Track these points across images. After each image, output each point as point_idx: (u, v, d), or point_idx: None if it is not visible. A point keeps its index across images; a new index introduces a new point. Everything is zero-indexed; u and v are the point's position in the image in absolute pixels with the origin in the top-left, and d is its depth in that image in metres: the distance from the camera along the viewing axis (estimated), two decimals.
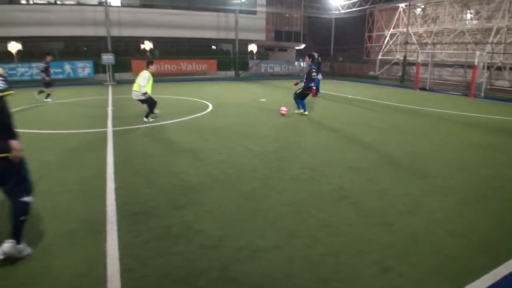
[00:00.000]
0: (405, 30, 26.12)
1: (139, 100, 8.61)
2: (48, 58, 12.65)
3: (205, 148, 6.26)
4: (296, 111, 9.95)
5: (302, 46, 35.62)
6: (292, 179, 4.71)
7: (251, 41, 28.70)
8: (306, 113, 9.76)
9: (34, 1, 22.48)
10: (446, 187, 4.52)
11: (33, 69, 20.31)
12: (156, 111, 8.94)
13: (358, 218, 3.62)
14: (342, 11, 28.56)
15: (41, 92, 12.34)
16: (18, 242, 2.79)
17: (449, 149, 6.45)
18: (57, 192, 4.29)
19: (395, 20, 28.38)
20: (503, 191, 4.44)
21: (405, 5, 26.54)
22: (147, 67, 8.71)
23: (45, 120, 9.18)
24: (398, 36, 28.33)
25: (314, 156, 5.86)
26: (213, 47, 28.34)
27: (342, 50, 32.87)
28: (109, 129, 7.84)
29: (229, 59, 26.67)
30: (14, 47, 21.94)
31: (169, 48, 26.11)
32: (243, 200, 4.05)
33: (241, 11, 25.65)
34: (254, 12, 27.11)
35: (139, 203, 3.96)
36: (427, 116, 10.18)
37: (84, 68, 21.53)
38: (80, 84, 19.95)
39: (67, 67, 20.97)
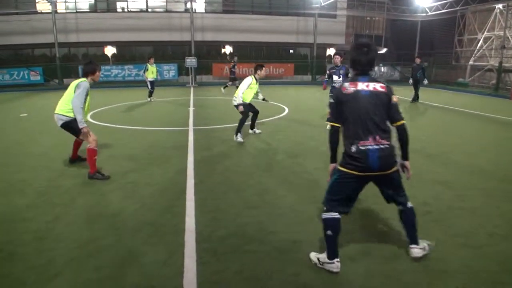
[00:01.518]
0: (501, 33, 23.55)
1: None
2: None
3: (280, 151, 6.28)
4: None
5: (384, 50, 34.11)
6: (372, 189, 4.48)
7: (330, 45, 28.25)
8: None
9: (128, 9, 24.67)
10: None
11: (125, 71, 22.33)
12: None
13: (442, 237, 3.31)
14: (429, 13, 26.68)
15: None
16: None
17: None
18: (143, 184, 4.63)
19: (490, 22, 25.72)
20: None
21: (503, 6, 23.93)
22: (254, 72, 7.45)
23: (133, 118, 10.01)
24: (493, 39, 25.63)
25: None
26: (291, 51, 28.44)
27: (428, 54, 30.76)
28: (190, 128, 8.28)
29: (306, 63, 26.54)
30: (109, 50, 24.32)
31: (248, 52, 26.81)
32: (319, 206, 3.96)
33: (320, 15, 25.39)
34: (334, 16, 26.66)
35: (216, 199, 4.10)
36: None
37: (169, 71, 23.06)
38: (165, 86, 21.38)
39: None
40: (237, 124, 7.04)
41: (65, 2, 23.95)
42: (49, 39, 22.46)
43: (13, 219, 3.59)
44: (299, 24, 26.27)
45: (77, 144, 5.41)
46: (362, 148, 2.53)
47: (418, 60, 14.39)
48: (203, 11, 25.34)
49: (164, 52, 25.76)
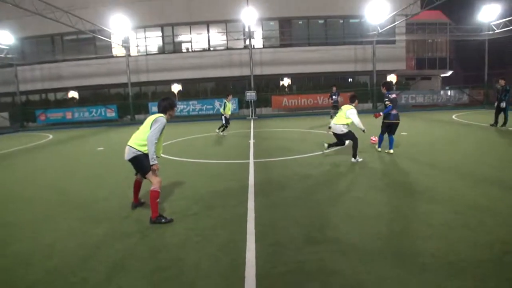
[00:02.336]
0: None
1: (337, 134, 8.04)
2: (334, 89, 17.43)
3: (343, 184, 6.13)
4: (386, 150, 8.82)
5: (449, 72, 32.42)
6: (442, 226, 4.17)
7: (390, 71, 27.56)
8: (391, 151, 8.62)
9: (192, 49, 26.45)
10: None
11: (190, 106, 23.68)
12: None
13: None
14: (496, 31, 25.01)
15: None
16: None
17: None
18: (204, 215, 4.77)
19: None
20: None
21: None
22: (351, 102, 8.08)
23: (197, 151, 10.48)
24: None
25: (469, 199, 5.10)
26: (349, 79, 28.18)
27: (500, 74, 28.56)
28: (251, 160, 8.44)
29: (366, 91, 26.05)
30: (175, 87, 26.07)
31: (306, 83, 27.08)
32: (383, 243, 3.77)
33: (378, 42, 25.05)
34: (393, 42, 26.13)
35: (276, 234, 4.08)
36: None
37: (231, 104, 23.97)
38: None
39: (217, 103, 23.71)
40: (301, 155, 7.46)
41: (137, 46, 26.39)
42: (123, 80, 24.84)
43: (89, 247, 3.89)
44: (357, 52, 26.11)
45: (138, 186, 5.23)
46: None
47: (502, 82, 13.36)
48: (261, 46, 26.31)
49: (225, 86, 26.96)
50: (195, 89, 26.93)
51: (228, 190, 6.03)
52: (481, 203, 4.82)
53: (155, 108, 23.87)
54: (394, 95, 8.64)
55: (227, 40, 26.12)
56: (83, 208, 5.47)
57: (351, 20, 26.36)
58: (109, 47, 26.15)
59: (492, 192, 5.30)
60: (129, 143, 4.78)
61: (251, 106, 22.65)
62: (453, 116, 18.57)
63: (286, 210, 4.89)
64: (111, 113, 24.14)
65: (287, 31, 26.34)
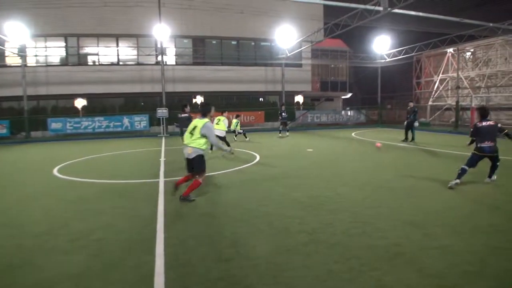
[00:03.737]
0: (455, 75, 25.50)
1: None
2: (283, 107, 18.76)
3: (253, 200, 6.25)
4: None
5: (349, 95, 35.79)
6: (343, 234, 4.50)
7: (298, 92, 29.37)
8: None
9: (100, 62, 24.95)
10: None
11: (96, 123, 22.13)
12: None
13: (416, 278, 3.33)
14: (388, 60, 28.55)
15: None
16: None
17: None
18: (109, 240, 4.44)
19: (444, 65, 27.85)
20: None
21: (454, 50, 26.08)
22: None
23: (102, 170, 9.77)
24: (448, 81, 27.62)
25: (366, 208, 5.61)
26: (260, 99, 29.26)
27: (390, 97, 32.51)
28: (161, 179, 8.15)
29: (276, 110, 27.28)
30: (80, 102, 24.19)
31: (219, 101, 27.35)
32: (291, 254, 3.92)
33: (287, 65, 26.60)
34: (300, 65, 27.97)
35: (187, 254, 3.97)
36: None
37: (140, 121, 23.05)
38: (136, 136, 21.24)
39: (126, 120, 22.56)
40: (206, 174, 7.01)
41: (36, 56, 23.98)
42: (17, 92, 22.18)
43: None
44: (267, 74, 27.33)
45: (186, 179, 6.29)
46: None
47: (411, 104, 15.86)
48: (174, 63, 25.98)
49: (135, 103, 25.87)
50: (102, 104, 25.28)
51: (136, 211, 5.72)
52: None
53: (55, 125, 21.77)
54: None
55: (138, 55, 25.24)
56: None
57: (262, 43, 27.59)
58: (1, 55, 23.28)
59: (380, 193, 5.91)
60: (191, 145, 5.98)
61: (163, 124, 22.03)
62: (353, 134, 20.42)
63: (198, 229, 4.80)
64: (1, 130, 21.25)
65: (201, 49, 26.49)
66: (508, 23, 19.34)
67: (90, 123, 22.18)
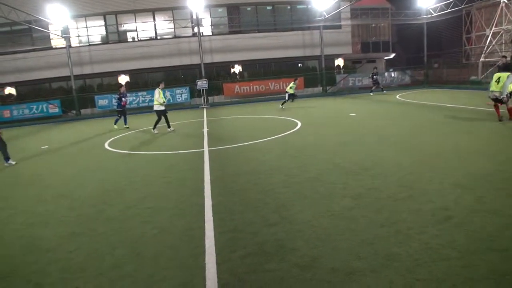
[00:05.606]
0: (510, 27, 23.26)
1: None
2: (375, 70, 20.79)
3: (295, 166, 6.30)
4: None
5: (392, 55, 33.99)
6: (389, 198, 4.45)
7: (337, 56, 28.37)
8: None
9: (138, 38, 25.43)
10: None
11: (139, 97, 22.90)
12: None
13: (465, 241, 3.24)
14: (434, 14, 26.53)
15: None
16: None
17: None
18: (160, 208, 4.71)
19: (497, 17, 25.43)
20: None
21: (508, 0, 23.69)
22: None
23: (149, 143, 10.22)
24: (502, 34, 25.29)
25: (413, 172, 5.46)
26: (299, 65, 28.65)
27: (438, 55, 30.52)
28: (205, 149, 8.40)
29: (316, 76, 26.67)
30: (123, 79, 25.03)
31: (257, 70, 27.13)
32: (336, 219, 3.95)
33: (325, 27, 25.60)
34: (339, 27, 26.82)
35: (234, 220, 4.13)
36: None
37: (181, 94, 23.53)
38: (179, 109, 21.78)
39: (167, 93, 23.10)
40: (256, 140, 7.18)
41: (78, 36, 24.90)
42: (65, 73, 23.36)
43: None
44: (305, 38, 26.54)
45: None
46: None
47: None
48: (210, 33, 25.89)
49: (175, 76, 26.33)
50: (144, 79, 26.02)
51: (183, 180, 5.98)
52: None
53: (102, 102, 22.85)
54: None
55: (174, 28, 25.40)
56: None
57: (298, 6, 26.65)
58: (47, 38, 24.41)
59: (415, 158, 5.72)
60: (497, 89, 8.83)
61: (203, 95, 22.37)
62: (397, 96, 19.59)
63: (243, 196, 4.95)
64: (54, 109, 22.64)
65: (236, 17, 26.11)
66: None
67: (134, 98, 22.97)
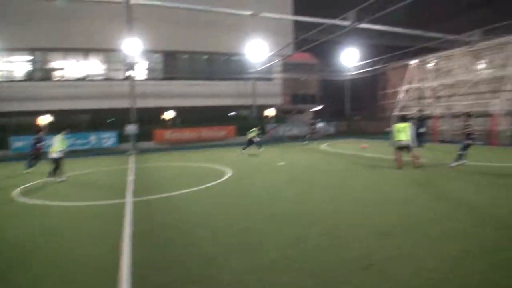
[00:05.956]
0: (418, 85, 26.50)
1: None
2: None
3: (223, 217, 6.14)
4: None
5: (319, 107, 36.42)
6: (316, 248, 4.47)
7: (269, 106, 29.60)
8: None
9: (66, 78, 24.21)
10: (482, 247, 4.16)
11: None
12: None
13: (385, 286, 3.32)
14: (354, 73, 29.41)
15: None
16: None
17: (486, 204, 6.06)
18: (71, 267, 4.19)
19: (408, 76, 28.90)
20: None
21: (417, 62, 27.22)
22: None
23: (65, 192, 9.35)
24: (412, 91, 28.64)
25: (337, 220, 5.62)
26: (232, 113, 29.27)
27: (359, 109, 33.34)
28: (129, 199, 7.87)
29: (248, 124, 27.34)
30: (45, 119, 23.29)
31: (190, 117, 27.11)
32: (264, 272, 3.83)
33: (258, 79, 26.80)
34: (271, 79, 28.29)
35: (155, 278, 3.80)
36: (456, 172, 9.78)
37: (109, 138, 22.44)
38: (105, 154, 20.63)
39: (93, 137, 21.90)
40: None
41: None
42: None
43: None
44: (238, 88, 27.42)
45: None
46: None
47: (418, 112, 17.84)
48: (145, 78, 25.60)
49: (104, 119, 25.21)
50: (69, 121, 24.45)
51: (100, 235, 5.46)
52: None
53: (18, 143, 20.79)
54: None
55: (107, 70, 24.72)
56: None
57: (233, 58, 27.72)
58: None
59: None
60: (403, 138, 9.92)
61: (132, 140, 21.52)
62: (323, 146, 20.69)
63: (166, 250, 4.63)
64: None
65: (172, 64, 26.30)
66: (467, 35, 20.42)
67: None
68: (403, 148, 10.31)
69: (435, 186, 8.06)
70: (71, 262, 4.36)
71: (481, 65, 24.01)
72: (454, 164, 10.35)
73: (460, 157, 10.43)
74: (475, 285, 3.38)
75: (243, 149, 17.32)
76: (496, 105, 17.68)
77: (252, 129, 17.30)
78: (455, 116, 23.42)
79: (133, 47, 21.06)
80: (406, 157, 10.45)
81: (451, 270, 3.67)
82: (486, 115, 19.88)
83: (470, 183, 8.33)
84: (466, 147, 10.49)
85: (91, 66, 24.89)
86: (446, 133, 20.73)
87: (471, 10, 26.41)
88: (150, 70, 26.23)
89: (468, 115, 11.08)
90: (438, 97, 26.07)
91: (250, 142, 17.09)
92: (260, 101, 27.35)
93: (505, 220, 5.36)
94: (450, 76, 25.83)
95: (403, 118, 10.83)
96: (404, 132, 10.17)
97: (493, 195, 6.94)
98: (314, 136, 22.89)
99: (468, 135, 10.48)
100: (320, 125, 29.19)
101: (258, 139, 17.18)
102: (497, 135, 16.62)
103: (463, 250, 4.19)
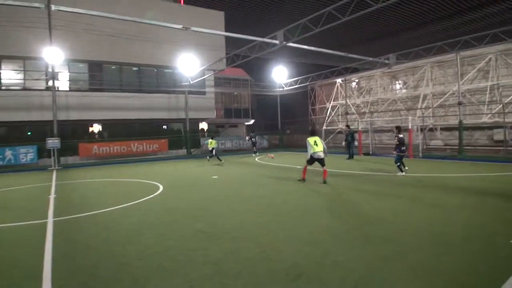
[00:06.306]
0: (344, 102, 28.44)
1: None
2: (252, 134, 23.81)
3: (153, 235, 5.98)
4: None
5: (252, 121, 37.14)
6: (247, 261, 4.56)
7: (202, 119, 29.46)
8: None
9: None
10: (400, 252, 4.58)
11: None
12: None
13: None
14: (285, 88, 30.67)
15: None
16: None
17: (400, 212, 6.66)
18: None
19: (334, 93, 30.90)
20: (457, 248, 4.56)
21: (342, 80, 29.23)
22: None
23: None
24: (338, 107, 30.62)
25: (268, 232, 5.78)
26: (164, 127, 28.62)
27: (290, 123, 34.63)
28: (50, 219, 7.29)
29: (180, 138, 26.94)
30: None
31: (119, 130, 25.94)
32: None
33: (190, 92, 26.61)
34: (204, 93, 28.25)
35: None
36: (376, 181, 10.64)
37: (27, 154, 20.57)
38: (22, 171, 18.86)
39: (8, 152, 19.93)
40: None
41: None
42: None
43: None
44: (170, 101, 26.93)
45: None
46: None
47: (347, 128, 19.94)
48: (67, 89, 23.98)
49: (21, 133, 23.05)
50: None
51: (15, 262, 4.97)
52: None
53: None
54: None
55: (24, 79, 22.71)
56: None
57: (165, 70, 27.21)
58: None
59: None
60: (321, 150, 10.68)
61: (54, 155, 19.94)
62: (256, 159, 21.12)
63: (92, 274, 4.38)
64: None
65: (98, 75, 25.01)
66: (384, 58, 22.48)
67: None
68: (318, 160, 10.84)
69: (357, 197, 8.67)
70: None
71: (398, 86, 26.61)
72: (399, 174, 11.99)
73: (400, 168, 12.02)
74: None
75: (209, 157, 20.03)
76: (412, 121, 19.67)
77: (210, 140, 19.53)
78: (376, 131, 25.55)
79: (55, 56, 19.70)
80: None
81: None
82: (404, 130, 22.06)
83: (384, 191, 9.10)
84: (400, 158, 12.02)
85: (6, 74, 22.70)
86: (368, 146, 22.40)
87: (389, 35, 29.16)
88: (74, 80, 24.65)
89: (398, 128, 12.47)
90: (362, 113, 28.17)
91: (212, 152, 19.22)
92: (193, 115, 27.13)
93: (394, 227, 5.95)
94: (370, 95, 28.14)
95: (313, 132, 11.42)
96: (320, 145, 10.81)
97: (399, 204, 7.67)
98: (254, 149, 24.49)
99: (398, 147, 12.01)
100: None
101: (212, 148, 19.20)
102: (412, 148, 18.39)
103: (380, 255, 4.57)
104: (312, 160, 10.89)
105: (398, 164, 12.12)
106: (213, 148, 19.07)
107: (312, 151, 10.74)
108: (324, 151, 10.80)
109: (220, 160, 19.02)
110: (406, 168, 12.26)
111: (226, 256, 4.77)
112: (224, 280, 4.00)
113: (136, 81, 26.28)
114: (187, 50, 24.41)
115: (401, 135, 12.29)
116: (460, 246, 4.86)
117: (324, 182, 10.59)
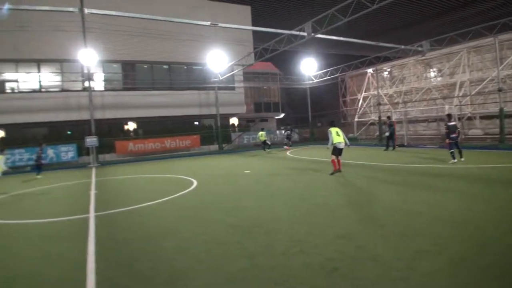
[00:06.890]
0: (376, 92, 27.70)
1: None
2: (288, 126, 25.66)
3: (189, 229, 6.13)
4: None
5: (282, 115, 36.98)
6: (281, 255, 4.59)
7: (232, 115, 29.69)
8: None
9: (19, 90, 23.03)
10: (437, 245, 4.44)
11: (16, 155, 20.23)
12: None
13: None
14: (315, 81, 30.25)
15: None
16: None
17: (436, 204, 6.45)
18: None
19: (366, 84, 30.15)
20: (491, 243, 4.38)
21: (373, 70, 28.47)
22: None
23: (24, 209, 8.93)
24: (370, 98, 29.87)
25: (303, 227, 5.78)
26: (196, 123, 29.09)
27: (320, 116, 34.24)
28: (91, 214, 7.65)
29: (212, 134, 27.30)
30: None
31: (152, 127, 26.64)
32: (231, 282, 3.89)
33: (220, 88, 26.87)
34: (233, 88, 28.44)
35: None
36: (411, 173, 10.33)
37: (67, 152, 21.59)
38: (64, 168, 19.82)
39: (50, 151, 20.98)
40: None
41: None
42: None
43: None
44: (201, 97, 27.34)
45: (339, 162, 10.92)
46: None
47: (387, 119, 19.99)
48: (103, 89, 24.90)
49: (61, 132, 24.19)
50: (23, 135, 23.25)
51: (62, 254, 5.26)
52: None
53: None
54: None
55: (62, 81, 23.79)
56: None
57: (194, 67, 27.64)
58: None
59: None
60: (342, 141, 10.76)
61: (93, 153, 20.83)
62: (287, 153, 21.05)
63: (132, 266, 4.56)
64: None
65: (131, 74, 25.77)
66: (417, 45, 21.69)
67: (9, 156, 20.19)
68: (340, 150, 10.94)
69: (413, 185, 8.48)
70: (32, 286, 4.19)
71: (432, 73, 25.58)
72: (451, 162, 12.01)
73: (452, 155, 12.07)
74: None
75: (265, 149, 22.88)
76: (449, 110, 18.92)
77: (261, 133, 22.53)
78: (411, 121, 24.74)
79: (89, 57, 20.49)
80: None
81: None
82: (440, 119, 21.22)
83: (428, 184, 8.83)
84: (453, 146, 12.08)
85: (45, 77, 23.85)
86: (403, 138, 21.76)
87: (422, 21, 28.09)
88: (109, 80, 25.54)
89: (449, 116, 12.48)
90: (395, 103, 27.36)
91: (264, 143, 21.71)
92: (223, 110, 27.40)
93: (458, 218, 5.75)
94: (404, 84, 27.25)
95: (333, 123, 11.49)
96: (341, 135, 10.93)
97: (435, 196, 7.41)
98: (290, 143, 25.02)
99: (448, 134, 12.02)
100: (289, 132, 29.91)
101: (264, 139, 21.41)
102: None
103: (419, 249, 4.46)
104: (335, 150, 10.94)
105: (451, 151, 12.13)
106: (265, 140, 20.83)
107: (334, 141, 10.80)
108: (345, 143, 10.88)
109: (268, 149, 20.73)
110: (462, 159, 12.14)
111: (261, 249, 4.82)
112: (260, 274, 4.05)
113: (167, 79, 26.86)
114: (215, 46, 24.62)
115: (451, 123, 12.18)
116: (503, 240, 4.64)
117: (339, 171, 11.01)
